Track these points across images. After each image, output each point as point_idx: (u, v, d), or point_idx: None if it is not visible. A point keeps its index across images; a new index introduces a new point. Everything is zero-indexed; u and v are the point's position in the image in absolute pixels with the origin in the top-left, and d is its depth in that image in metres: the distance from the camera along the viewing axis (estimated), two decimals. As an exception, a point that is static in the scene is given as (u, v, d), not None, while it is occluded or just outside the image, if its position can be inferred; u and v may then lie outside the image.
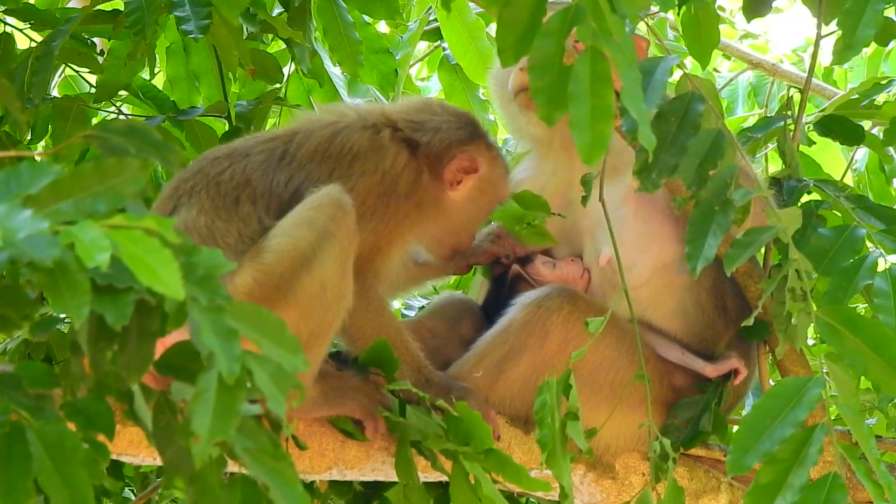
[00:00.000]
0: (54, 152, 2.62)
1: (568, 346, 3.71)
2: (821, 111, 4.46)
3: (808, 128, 4.21)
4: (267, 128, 4.92)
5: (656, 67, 3.35)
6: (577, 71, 2.65)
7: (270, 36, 4.85)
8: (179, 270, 2.12)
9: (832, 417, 3.40)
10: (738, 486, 3.88)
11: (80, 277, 2.10)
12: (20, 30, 4.62)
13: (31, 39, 4.76)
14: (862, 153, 5.44)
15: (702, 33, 3.89)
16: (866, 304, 4.08)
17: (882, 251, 3.65)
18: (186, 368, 2.36)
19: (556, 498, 3.44)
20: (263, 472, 2.34)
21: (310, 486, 3.85)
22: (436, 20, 5.40)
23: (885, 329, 3.30)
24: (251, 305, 2.33)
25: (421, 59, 6.26)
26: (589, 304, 3.82)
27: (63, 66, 4.89)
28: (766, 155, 5.29)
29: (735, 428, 3.95)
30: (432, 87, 6.53)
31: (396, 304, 4.54)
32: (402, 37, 5.34)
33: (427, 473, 3.56)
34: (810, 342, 4.40)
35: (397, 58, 5.13)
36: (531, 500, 4.23)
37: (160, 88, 4.90)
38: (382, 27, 5.53)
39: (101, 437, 2.43)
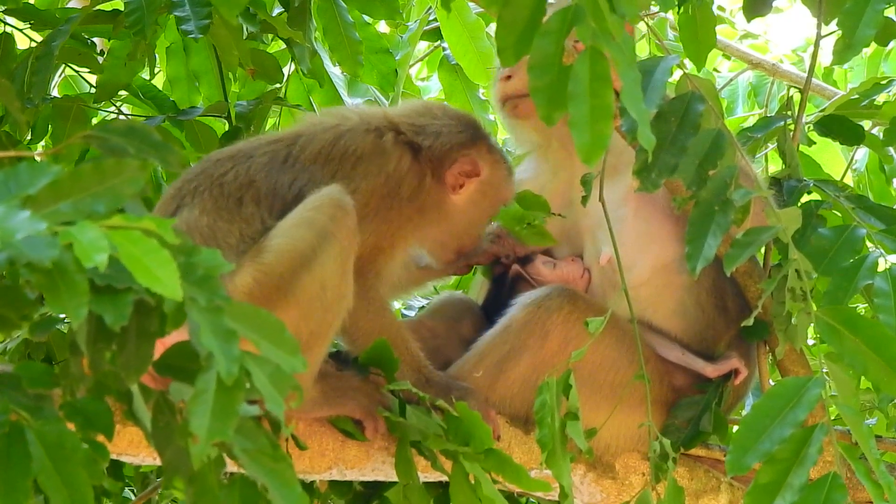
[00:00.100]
0: (54, 152, 2.62)
1: (568, 346, 3.71)
2: (821, 111, 4.46)
3: (808, 128, 4.21)
4: (267, 128, 4.92)
5: (656, 67, 3.35)
6: (577, 71, 2.65)
7: (270, 36, 4.85)
8: (178, 271, 2.12)
9: (832, 417, 3.40)
10: (738, 486, 3.88)
11: (78, 278, 2.10)
12: (20, 30, 4.62)
13: (31, 39, 4.76)
14: (862, 153, 5.44)
15: (699, 34, 3.88)
16: (866, 304, 4.07)
17: (882, 251, 3.65)
18: (185, 369, 2.36)
19: (556, 498, 3.44)
20: (262, 472, 2.35)
21: (310, 486, 3.85)
22: (436, 20, 5.40)
23: (885, 329, 3.30)
24: (250, 306, 2.33)
25: (421, 59, 6.26)
26: (589, 304, 3.82)
27: (63, 66, 4.89)
28: (766, 155, 5.29)
29: (735, 428, 3.95)
30: (432, 87, 6.53)
31: (396, 305, 4.54)
32: (402, 37, 5.34)
33: (427, 473, 3.56)
34: (810, 342, 4.40)
35: (397, 58, 5.13)
36: (531, 500, 4.23)
37: (160, 88, 4.89)
38: (382, 27, 5.53)
39: (101, 438, 2.43)
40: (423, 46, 5.93)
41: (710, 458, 3.92)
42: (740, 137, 3.97)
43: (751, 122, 5.89)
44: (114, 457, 3.18)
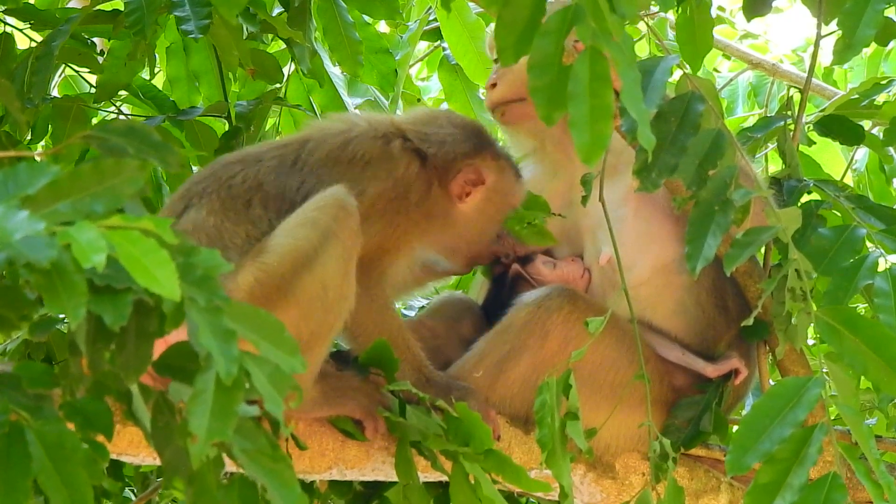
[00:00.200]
0: (54, 152, 2.62)
1: (568, 345, 3.71)
2: (821, 111, 4.45)
3: (808, 128, 4.21)
4: (267, 128, 4.93)
5: (656, 67, 3.35)
6: (577, 71, 2.65)
7: (270, 36, 4.85)
8: (176, 271, 2.12)
9: (832, 417, 3.40)
10: (738, 486, 3.88)
11: (76, 278, 2.10)
12: (20, 30, 4.62)
13: (31, 39, 4.76)
14: (862, 153, 5.44)
15: (696, 37, 3.88)
16: (866, 304, 4.07)
17: (882, 251, 3.65)
18: (185, 369, 2.36)
19: (556, 498, 3.44)
20: (261, 472, 2.35)
21: (310, 486, 3.85)
22: (436, 20, 5.40)
23: (886, 329, 3.30)
24: (249, 306, 2.33)
25: (421, 59, 6.26)
26: (589, 304, 3.82)
27: (63, 66, 4.89)
28: (766, 155, 5.29)
29: (735, 428, 3.95)
30: (432, 87, 6.53)
31: (396, 305, 4.54)
32: (402, 37, 5.34)
33: (427, 473, 3.56)
34: (810, 342, 4.40)
35: (397, 58, 5.12)
36: (531, 500, 4.23)
37: (160, 88, 4.90)
38: (382, 27, 5.53)
39: (101, 438, 2.43)
40: (423, 46, 5.93)
41: (710, 458, 3.92)
42: (740, 137, 3.97)
43: (751, 122, 5.89)
44: (114, 457, 3.18)
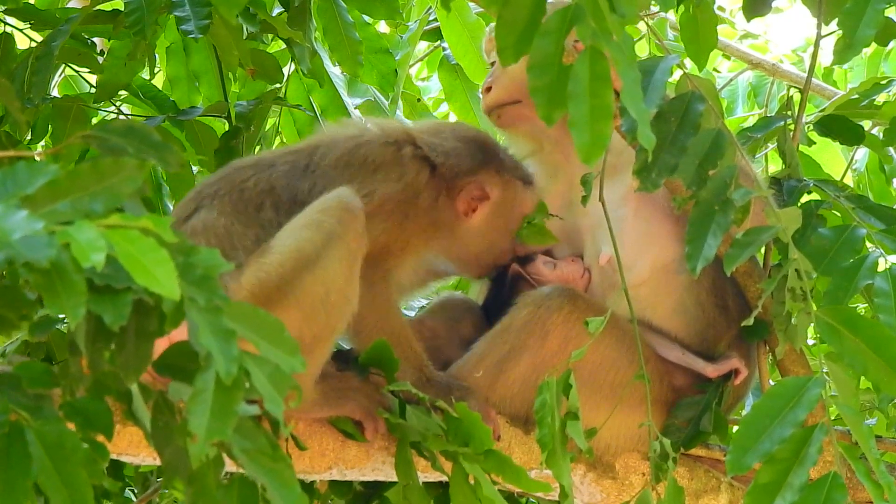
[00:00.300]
0: (54, 152, 2.62)
1: (568, 345, 3.71)
2: (821, 111, 4.45)
3: (808, 128, 4.20)
4: (267, 128, 4.93)
5: (656, 67, 3.35)
6: (577, 70, 2.65)
7: (270, 36, 4.85)
8: (175, 270, 2.12)
9: (832, 417, 3.40)
10: (738, 486, 3.88)
11: (76, 278, 2.10)
12: (20, 30, 4.62)
13: (31, 39, 4.76)
14: (862, 153, 5.44)
15: (700, 34, 3.88)
16: (866, 304, 4.07)
17: (882, 251, 3.65)
18: (184, 368, 2.36)
19: (557, 498, 3.43)
20: (261, 472, 2.34)
21: (310, 486, 3.85)
22: (436, 20, 5.41)
23: (886, 329, 3.30)
24: (249, 306, 2.33)
25: (421, 59, 6.26)
26: (589, 303, 3.82)
27: (63, 66, 4.90)
28: (766, 155, 5.28)
29: (735, 428, 3.95)
30: (432, 87, 6.54)
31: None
32: (402, 37, 5.34)
33: (427, 473, 3.56)
34: (810, 342, 4.39)
35: (397, 58, 5.12)
36: (531, 500, 4.23)
37: (160, 88, 4.90)
38: (382, 27, 5.53)
39: (101, 437, 2.43)
40: (423, 46, 5.93)
41: (710, 458, 3.92)
42: (740, 137, 3.97)
43: (751, 122, 5.89)
44: (114, 457, 3.18)
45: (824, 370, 3.24)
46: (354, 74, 4.81)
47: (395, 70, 5.03)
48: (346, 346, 3.70)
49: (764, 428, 3.12)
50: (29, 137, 4.63)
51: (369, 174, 3.63)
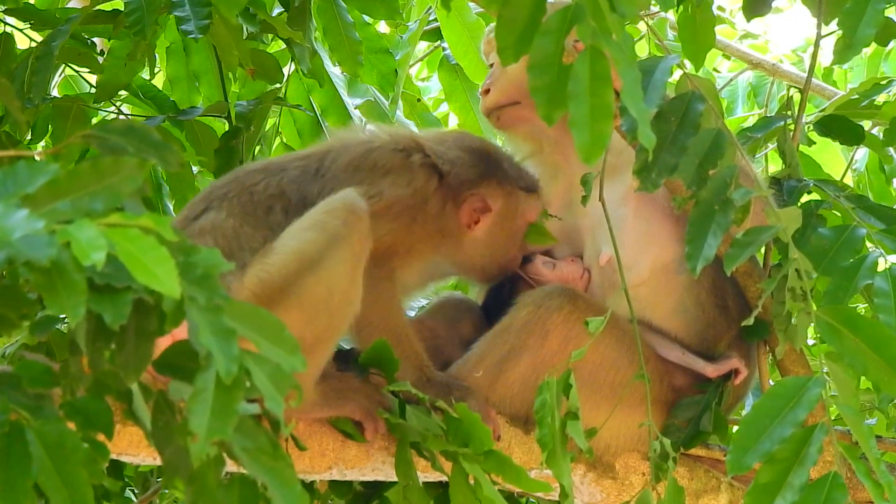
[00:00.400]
0: (53, 152, 2.61)
1: (568, 345, 3.71)
2: (821, 111, 4.45)
3: (808, 128, 4.20)
4: (267, 128, 4.93)
5: (656, 67, 3.35)
6: (577, 70, 2.65)
7: (270, 36, 4.85)
8: (176, 269, 2.12)
9: (832, 417, 3.40)
10: (738, 486, 3.88)
11: (76, 277, 2.10)
12: (20, 30, 4.62)
13: (31, 39, 4.76)
14: (862, 153, 5.44)
15: (697, 34, 3.88)
16: (866, 304, 4.07)
17: (882, 251, 3.65)
18: (185, 368, 2.36)
19: (557, 498, 3.43)
20: (262, 471, 2.34)
21: (310, 486, 3.85)
22: (436, 20, 5.41)
23: (886, 329, 3.30)
24: (249, 305, 2.33)
25: (421, 59, 6.26)
26: (589, 303, 3.82)
27: (63, 66, 4.90)
28: (766, 155, 5.28)
29: (735, 428, 3.95)
30: (432, 87, 6.54)
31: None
32: (402, 37, 5.34)
33: (427, 473, 3.56)
34: (810, 342, 4.39)
35: (397, 58, 5.13)
36: (531, 500, 4.23)
37: (160, 88, 4.90)
38: (382, 27, 5.53)
39: (101, 437, 2.43)
40: (423, 46, 5.93)
41: (710, 458, 3.92)
42: (740, 137, 3.96)
43: (751, 122, 5.89)
44: (113, 457, 3.18)
45: (824, 370, 3.24)
46: (354, 74, 4.81)
47: (395, 70, 5.03)
48: (347, 346, 3.70)
49: (764, 428, 3.11)
50: (29, 137, 4.63)
51: (379, 178, 3.64)
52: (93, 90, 4.81)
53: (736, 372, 3.88)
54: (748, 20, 4.13)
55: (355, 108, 5.10)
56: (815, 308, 3.32)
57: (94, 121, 4.78)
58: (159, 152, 2.46)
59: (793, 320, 3.44)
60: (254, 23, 4.36)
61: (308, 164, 3.68)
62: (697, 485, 3.88)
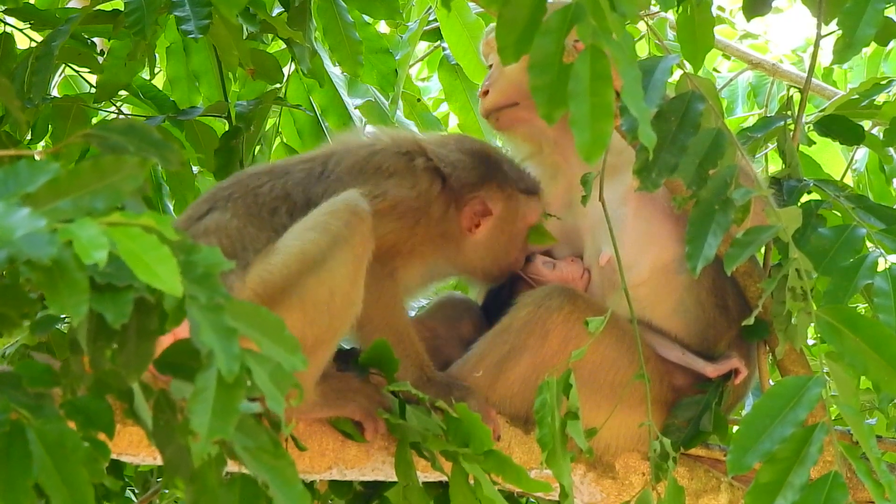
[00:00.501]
0: (54, 151, 2.62)
1: (568, 345, 3.71)
2: (821, 111, 4.45)
3: (808, 128, 4.20)
4: (267, 128, 4.93)
5: (656, 67, 3.35)
6: (578, 69, 2.65)
7: (270, 36, 4.85)
8: (178, 267, 2.12)
9: (832, 417, 3.40)
10: (739, 486, 3.88)
11: (78, 275, 2.10)
12: (20, 30, 4.62)
13: (31, 39, 4.76)
14: (862, 153, 5.44)
15: (696, 35, 3.88)
16: (866, 304, 4.08)
17: (882, 251, 3.65)
18: (186, 367, 2.36)
19: (557, 498, 3.43)
20: (263, 470, 2.34)
21: (310, 487, 3.85)
22: (436, 20, 5.41)
23: (886, 328, 3.30)
24: (250, 304, 2.33)
25: (421, 59, 6.26)
26: (589, 303, 3.82)
27: (63, 66, 4.90)
28: (766, 155, 5.28)
29: (735, 428, 3.95)
30: (432, 87, 6.54)
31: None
32: (402, 37, 5.34)
33: (427, 473, 3.56)
34: (810, 342, 4.39)
35: (397, 58, 5.13)
36: (531, 500, 4.23)
37: (160, 88, 4.90)
38: (382, 27, 5.53)
39: (102, 436, 2.43)
40: (423, 46, 5.93)
41: (710, 458, 3.92)
42: (740, 137, 3.96)
43: (751, 122, 5.89)
44: (114, 456, 3.18)
45: (824, 370, 3.24)
46: (354, 74, 4.81)
47: (395, 70, 5.03)
48: (347, 347, 3.70)
49: (764, 427, 3.11)
50: (29, 137, 4.63)
51: (383, 179, 3.64)
52: (93, 90, 4.81)
53: (736, 372, 3.88)
54: (748, 20, 4.13)
55: (355, 108, 5.10)
56: (815, 308, 3.32)
57: (94, 121, 4.77)
58: (160, 151, 2.46)
59: (793, 320, 3.44)
60: (254, 23, 4.36)
61: (312, 167, 3.68)
62: (697, 485, 3.88)
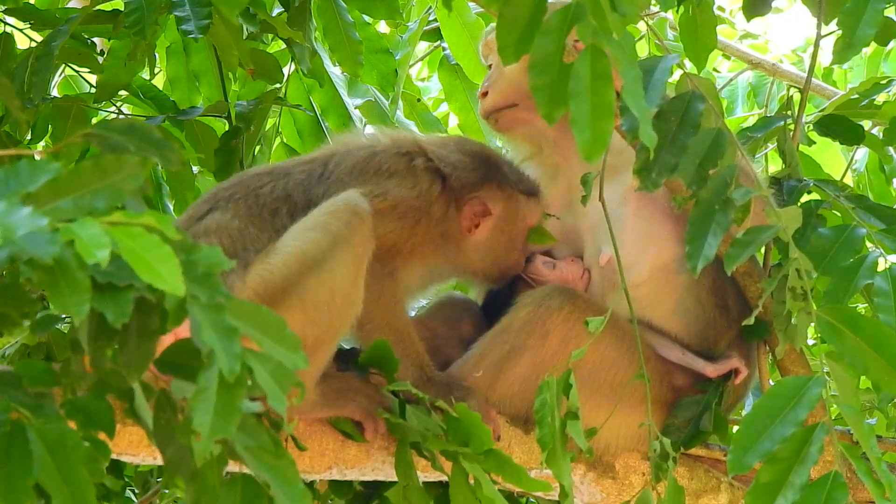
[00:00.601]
0: (54, 151, 2.62)
1: (568, 345, 3.71)
2: (821, 111, 4.45)
3: (808, 128, 4.20)
4: (267, 128, 4.93)
5: (656, 66, 3.35)
6: (578, 69, 2.65)
7: (270, 36, 4.85)
8: (180, 267, 2.12)
9: (832, 417, 3.40)
10: (739, 486, 3.88)
11: (79, 275, 2.10)
12: (20, 30, 4.62)
13: (31, 39, 4.76)
14: (862, 153, 5.44)
15: (699, 35, 3.88)
16: (866, 304, 4.08)
17: (882, 251, 3.65)
18: (187, 366, 2.36)
19: (557, 498, 3.43)
20: (264, 469, 2.34)
21: (310, 486, 3.85)
22: (436, 20, 5.40)
23: (886, 328, 3.30)
24: (251, 304, 2.33)
25: (421, 59, 6.26)
26: (589, 303, 3.82)
27: (63, 66, 4.90)
28: (766, 155, 5.28)
29: (735, 428, 3.95)
30: (432, 87, 6.54)
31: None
32: (402, 37, 5.34)
33: (427, 473, 3.56)
34: (810, 342, 4.39)
35: (397, 58, 5.13)
36: (531, 499, 4.23)
37: (160, 88, 4.90)
38: (382, 27, 5.53)
39: (102, 436, 2.43)
40: (423, 46, 5.93)
41: (710, 457, 3.92)
42: (740, 137, 3.96)
43: (751, 122, 5.89)
44: (114, 457, 3.17)
45: (825, 370, 3.24)
46: (354, 74, 4.81)
47: (395, 70, 5.03)
48: (347, 347, 3.71)
49: (765, 427, 3.12)
50: (29, 137, 4.63)
51: (383, 180, 3.64)
52: (93, 90, 4.81)
53: (736, 372, 3.89)
54: (748, 20, 4.13)
55: (355, 108, 5.10)
56: (815, 308, 3.32)
57: (94, 121, 4.77)
58: (160, 150, 2.46)
59: (793, 320, 3.44)
60: (254, 23, 4.36)
61: (313, 168, 3.68)
62: (697, 485, 3.88)
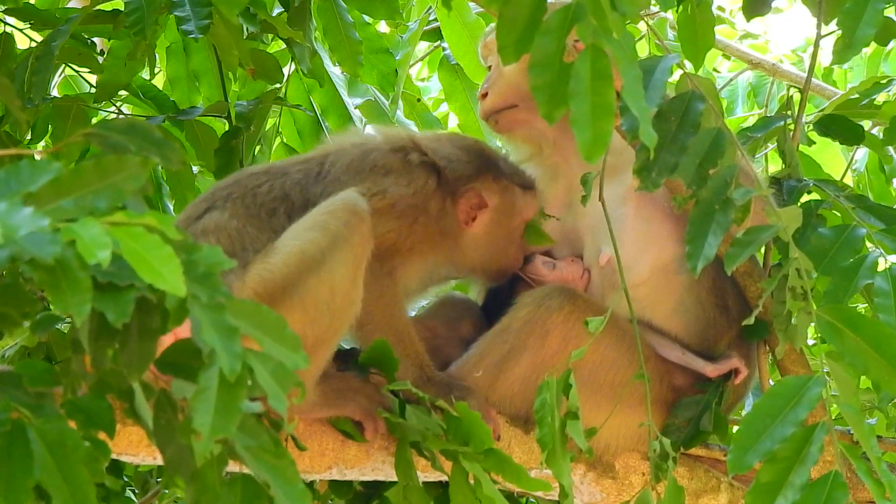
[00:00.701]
0: (54, 151, 2.62)
1: (568, 345, 3.71)
2: (821, 111, 4.46)
3: (808, 128, 4.20)
4: (267, 128, 4.93)
5: (656, 66, 3.36)
6: (578, 69, 2.65)
7: (270, 36, 4.85)
8: (181, 267, 2.12)
9: (833, 417, 3.40)
10: (739, 486, 3.88)
11: (81, 275, 2.10)
12: (20, 30, 4.62)
13: (31, 39, 4.76)
14: (862, 153, 5.44)
15: (697, 34, 3.88)
16: (866, 304, 4.08)
17: (882, 251, 3.65)
18: (187, 366, 2.36)
19: (556, 498, 3.43)
20: (264, 469, 2.34)
21: (310, 486, 3.84)
22: (436, 20, 5.41)
23: (886, 328, 3.30)
24: (252, 303, 2.33)
25: (421, 59, 6.26)
26: (589, 303, 3.82)
27: (63, 66, 4.90)
28: (766, 155, 5.29)
29: (735, 428, 3.95)
30: (432, 87, 6.54)
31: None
32: (402, 37, 5.34)
33: (427, 473, 3.56)
34: (810, 342, 4.39)
35: (397, 58, 5.13)
36: (531, 499, 4.23)
37: (160, 88, 4.90)
38: (382, 27, 5.53)
39: (102, 436, 2.43)
40: (423, 46, 5.93)
41: (710, 457, 3.92)
42: (740, 137, 3.96)
43: (751, 122, 5.89)
44: (114, 457, 3.18)
45: (825, 369, 3.24)
46: (354, 74, 4.81)
47: (395, 70, 5.04)
48: (347, 347, 3.71)
49: (765, 427, 3.12)
50: (29, 137, 4.63)
51: (380, 177, 3.64)
52: (93, 90, 4.81)
53: (736, 372, 3.89)
54: (748, 20, 4.13)
55: (355, 108, 5.10)
56: (815, 308, 3.32)
57: (94, 121, 4.77)
58: (161, 150, 2.47)
59: (793, 320, 3.44)
60: (254, 23, 4.36)
61: (309, 168, 3.69)
62: (697, 485, 3.88)
